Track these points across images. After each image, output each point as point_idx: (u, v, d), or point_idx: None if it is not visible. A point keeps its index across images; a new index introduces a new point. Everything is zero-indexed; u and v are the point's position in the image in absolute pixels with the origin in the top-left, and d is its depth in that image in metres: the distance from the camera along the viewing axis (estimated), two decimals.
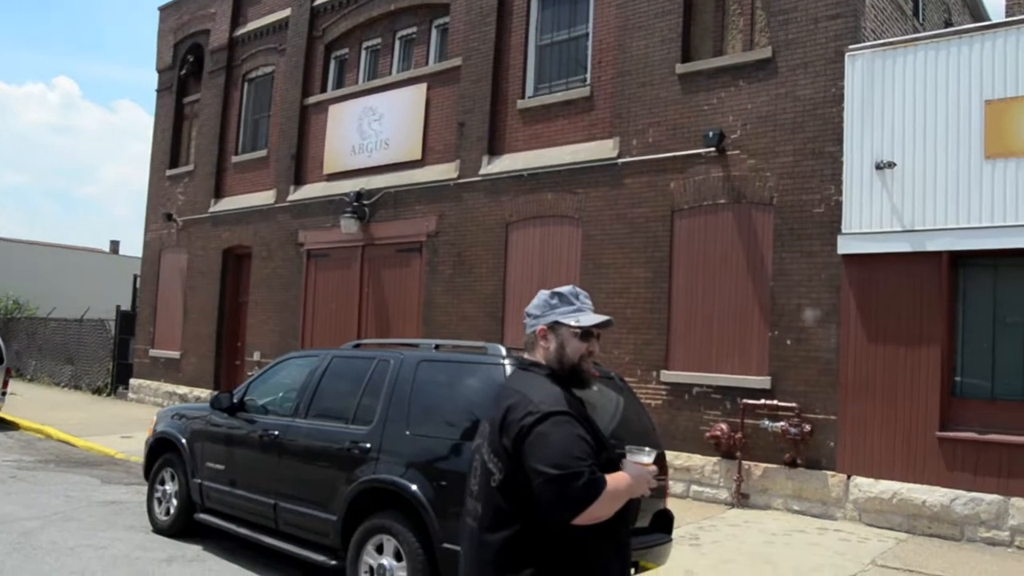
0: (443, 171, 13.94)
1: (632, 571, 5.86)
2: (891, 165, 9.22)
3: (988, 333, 8.82)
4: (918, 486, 8.83)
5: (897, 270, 9.18)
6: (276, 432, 6.90)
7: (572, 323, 2.68)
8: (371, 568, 5.90)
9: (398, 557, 5.75)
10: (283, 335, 16.34)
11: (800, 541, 8.39)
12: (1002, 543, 8.33)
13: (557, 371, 2.67)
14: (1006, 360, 8.70)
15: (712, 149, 10.66)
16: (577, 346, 2.67)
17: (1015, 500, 8.30)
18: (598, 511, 2.39)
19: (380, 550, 5.89)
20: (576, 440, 2.43)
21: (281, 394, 7.46)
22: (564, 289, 2.74)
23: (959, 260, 9.00)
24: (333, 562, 6.24)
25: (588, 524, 2.40)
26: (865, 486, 9.16)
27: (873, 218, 9.36)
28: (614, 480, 2.44)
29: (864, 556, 7.86)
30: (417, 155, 14.50)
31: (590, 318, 2.70)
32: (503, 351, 6.08)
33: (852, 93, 9.62)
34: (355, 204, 14.78)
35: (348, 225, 14.64)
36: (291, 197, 16.71)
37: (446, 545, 5.37)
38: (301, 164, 16.81)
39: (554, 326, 2.70)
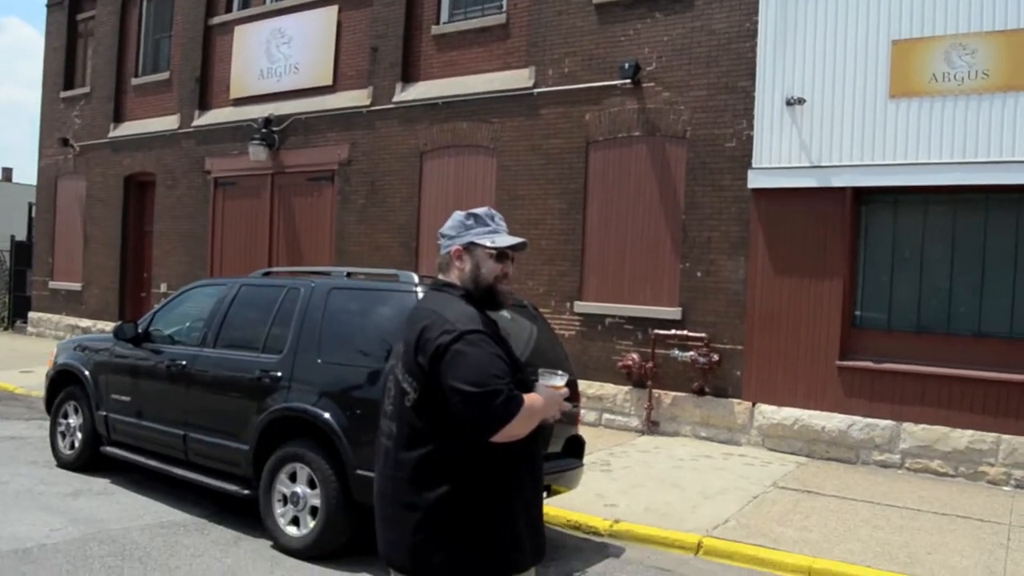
0: (355, 97, 13.58)
1: (544, 494, 5.98)
2: (801, 101, 9.38)
3: (887, 267, 9.17)
4: (818, 413, 9.23)
5: (804, 205, 9.42)
6: (184, 362, 6.72)
7: (488, 244, 2.66)
8: (285, 496, 5.87)
9: (312, 485, 5.74)
10: (191, 266, 15.86)
11: (707, 466, 8.70)
12: (893, 465, 8.81)
13: (472, 292, 2.65)
14: (903, 293, 9.08)
15: (628, 81, 10.64)
16: (492, 267, 2.66)
17: (907, 425, 8.76)
18: (515, 429, 2.41)
19: (293, 478, 5.86)
20: (493, 358, 2.44)
21: (188, 324, 7.25)
22: (480, 210, 2.71)
23: (862, 196, 9.28)
24: (246, 491, 6.17)
25: (504, 442, 2.42)
26: (769, 413, 9.52)
27: (783, 153, 9.54)
28: (530, 399, 2.46)
29: (766, 479, 8.21)
30: (328, 80, 14.06)
31: (505, 239, 2.68)
32: (415, 279, 6.04)
33: (766, 28, 9.70)
34: (264, 131, 14.30)
35: (257, 152, 14.18)
36: (196, 123, 16.04)
37: (359, 472, 5.38)
38: (206, 88, 16.12)
39: (469, 247, 2.67)
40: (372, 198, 13.22)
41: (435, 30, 12.80)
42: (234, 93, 15.55)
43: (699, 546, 6.38)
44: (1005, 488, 8.27)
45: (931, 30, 8.77)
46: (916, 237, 9.04)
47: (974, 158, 8.51)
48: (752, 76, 9.79)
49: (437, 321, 2.50)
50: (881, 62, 8.99)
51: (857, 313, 9.32)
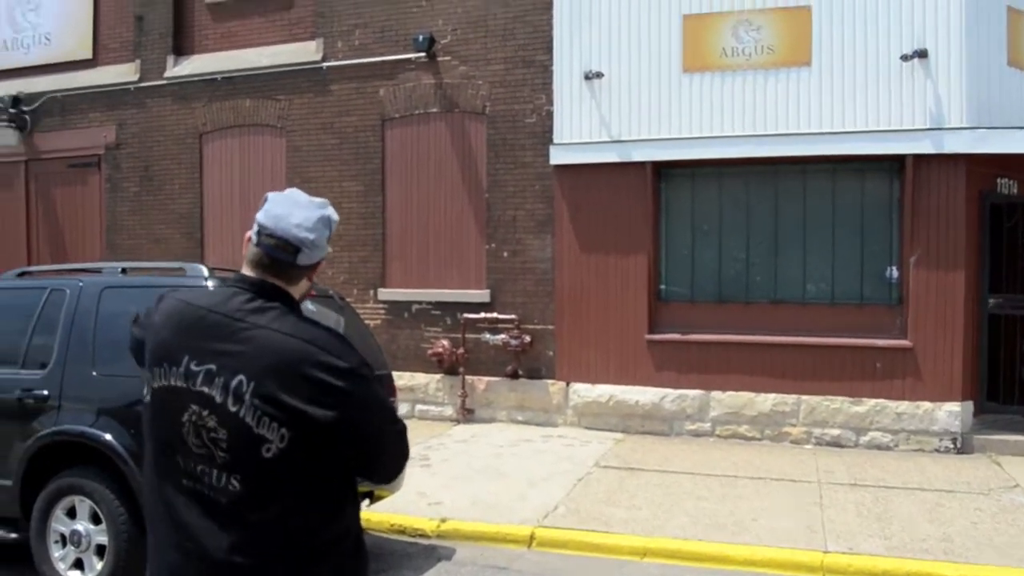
0: (120, 73, 12.21)
1: (367, 502, 5.53)
2: (599, 75, 9.30)
3: (688, 240, 9.33)
4: (631, 387, 9.28)
5: (607, 180, 9.38)
6: None
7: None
8: (63, 536, 5.08)
9: (96, 519, 5.00)
10: None
11: (527, 450, 8.51)
12: (705, 434, 9.03)
13: (295, 305, 2.11)
14: (703, 265, 9.28)
15: (422, 54, 10.17)
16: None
17: (715, 393, 8.98)
18: None
19: (72, 514, 5.08)
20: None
21: None
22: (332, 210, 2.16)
23: (662, 170, 9.36)
24: (14, 535, 5.26)
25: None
26: (583, 391, 9.48)
27: (583, 128, 9.44)
28: None
29: (588, 459, 8.12)
30: (87, 53, 12.54)
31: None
32: (205, 271, 5.34)
33: (561, 1, 9.52)
34: (12, 111, 12.56)
35: (4, 136, 12.43)
36: None
37: None
38: None
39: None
40: (147, 185, 11.97)
41: None
42: None
43: (532, 538, 6.18)
44: (807, 447, 8.67)
45: (719, 6, 8.94)
46: (714, 210, 9.24)
47: (763, 131, 8.78)
48: (549, 50, 9.60)
49: (316, 354, 1.96)
50: (674, 36, 9.06)
51: (662, 287, 9.43)
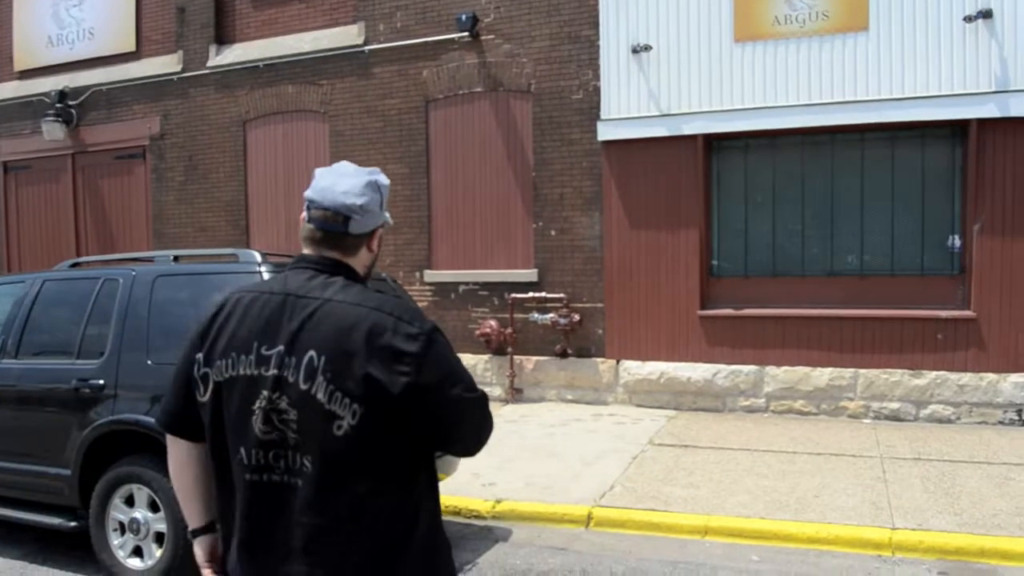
0: (164, 64, 12.26)
1: None
2: (647, 49, 9.10)
3: (741, 214, 9.11)
4: (683, 364, 9.11)
5: (656, 155, 9.19)
6: None
7: (389, 220, 2.15)
8: (122, 524, 5.04)
9: (154, 507, 4.95)
10: None
11: (579, 429, 8.39)
12: (759, 410, 8.83)
13: (363, 279, 2.06)
14: (756, 239, 9.06)
15: (466, 34, 10.05)
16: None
17: (769, 369, 8.78)
18: None
19: (131, 502, 5.04)
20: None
21: None
22: (375, 173, 2.08)
23: (713, 143, 9.14)
24: (73, 523, 5.24)
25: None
26: (634, 369, 9.33)
27: (631, 103, 9.26)
28: None
29: (641, 437, 7.98)
30: (131, 46, 12.62)
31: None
32: (258, 257, 5.23)
33: None
34: (59, 106, 12.70)
35: (52, 131, 12.57)
36: None
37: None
38: None
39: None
40: (192, 174, 12.02)
41: None
42: (19, 65, 13.72)
43: (589, 518, 6.06)
44: (865, 421, 8.43)
45: None
46: (767, 182, 9.01)
47: (819, 99, 8.53)
48: (595, 24, 9.42)
49: (386, 321, 1.89)
50: (724, 5, 8.83)
51: (714, 262, 9.24)
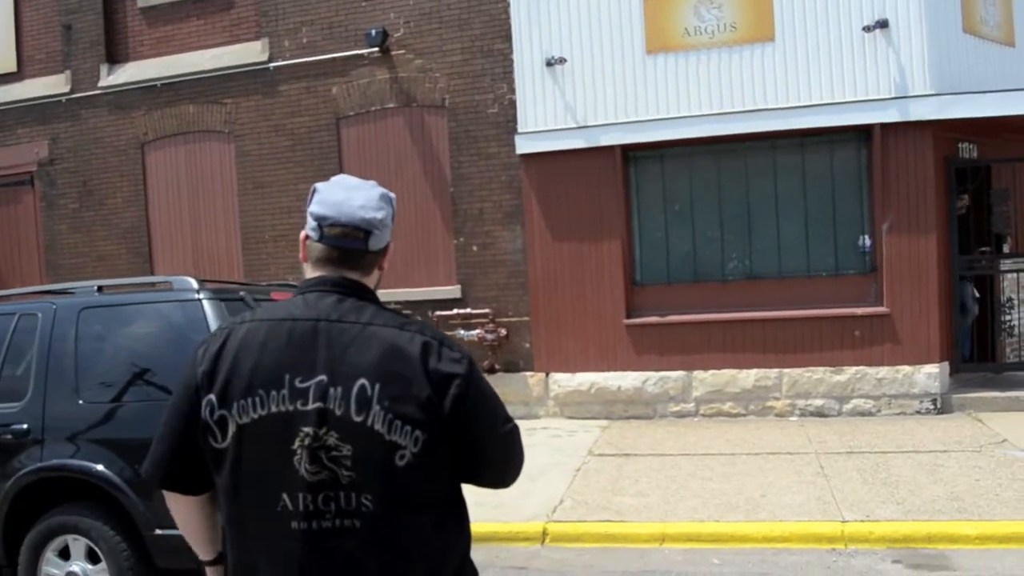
0: (50, 84, 11.61)
1: None
2: (562, 61, 9.17)
3: (661, 222, 9.27)
4: (612, 373, 9.19)
5: (575, 167, 9.26)
6: None
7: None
8: None
9: (93, 559, 4.63)
10: None
11: None
12: (689, 414, 8.99)
13: (378, 300, 1.93)
14: (677, 246, 9.23)
15: (375, 49, 9.90)
16: None
17: (696, 373, 8.95)
18: None
19: (65, 555, 4.70)
20: None
21: None
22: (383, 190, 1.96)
23: (630, 154, 9.28)
24: None
25: None
26: (563, 381, 9.35)
27: (548, 116, 9.30)
28: None
29: (580, 448, 7.99)
30: (11, 66, 11.89)
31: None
32: (194, 284, 4.91)
33: None
34: None
35: None
36: None
37: (160, 532, 4.39)
38: None
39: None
40: (87, 200, 11.40)
41: (142, 2, 11.19)
42: None
43: (544, 534, 6.03)
44: (792, 419, 8.70)
45: None
46: (685, 190, 9.20)
47: (730, 108, 8.77)
48: (508, 38, 9.44)
49: (432, 345, 1.78)
50: (635, 18, 8.99)
51: (637, 271, 9.37)
